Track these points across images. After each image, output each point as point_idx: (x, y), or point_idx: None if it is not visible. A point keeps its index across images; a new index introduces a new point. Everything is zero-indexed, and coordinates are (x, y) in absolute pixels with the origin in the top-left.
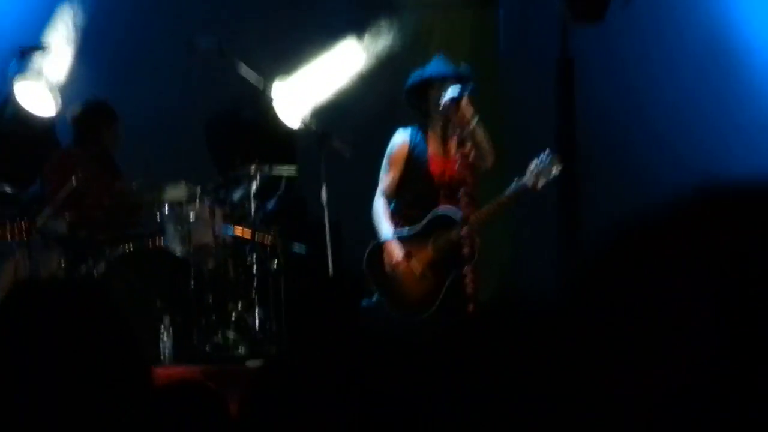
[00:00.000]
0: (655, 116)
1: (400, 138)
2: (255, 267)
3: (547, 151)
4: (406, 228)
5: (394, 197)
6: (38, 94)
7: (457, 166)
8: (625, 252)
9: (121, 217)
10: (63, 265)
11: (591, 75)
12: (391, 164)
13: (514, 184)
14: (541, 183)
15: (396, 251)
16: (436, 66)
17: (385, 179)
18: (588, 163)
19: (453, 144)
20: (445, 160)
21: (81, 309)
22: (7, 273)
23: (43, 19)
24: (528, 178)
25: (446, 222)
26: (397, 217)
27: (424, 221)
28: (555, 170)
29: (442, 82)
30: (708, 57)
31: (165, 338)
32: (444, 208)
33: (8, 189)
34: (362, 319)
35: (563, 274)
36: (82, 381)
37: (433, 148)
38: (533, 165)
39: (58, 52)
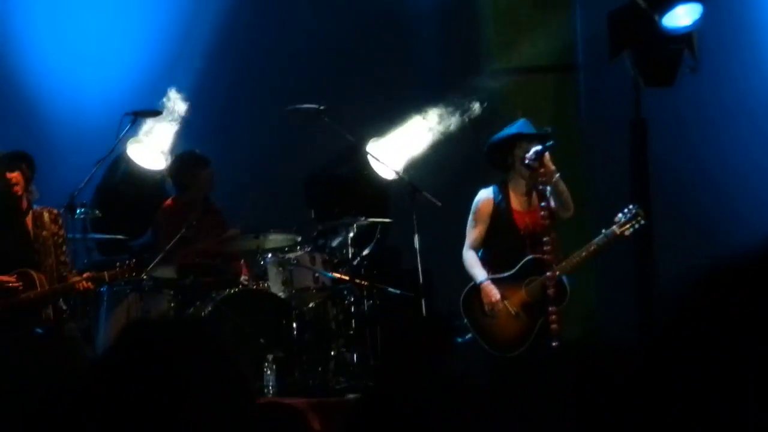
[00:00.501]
0: (719, 174)
1: (484, 195)
2: (352, 308)
3: (632, 205)
4: (501, 273)
5: (480, 249)
6: (148, 152)
7: (540, 217)
8: (700, 303)
9: (225, 262)
10: (173, 308)
11: (662, 135)
12: (477, 220)
13: (602, 234)
14: (628, 232)
15: (493, 291)
16: (523, 126)
17: (472, 233)
18: (661, 216)
19: (534, 197)
20: (528, 213)
21: (189, 346)
22: (119, 316)
23: (154, 83)
24: (617, 227)
25: (538, 267)
26: (486, 266)
27: (518, 266)
28: (640, 220)
29: (529, 141)
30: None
31: (268, 373)
32: (535, 255)
33: (121, 237)
34: (456, 356)
35: (641, 318)
36: (192, 414)
37: (515, 202)
38: (620, 216)
39: (168, 115)
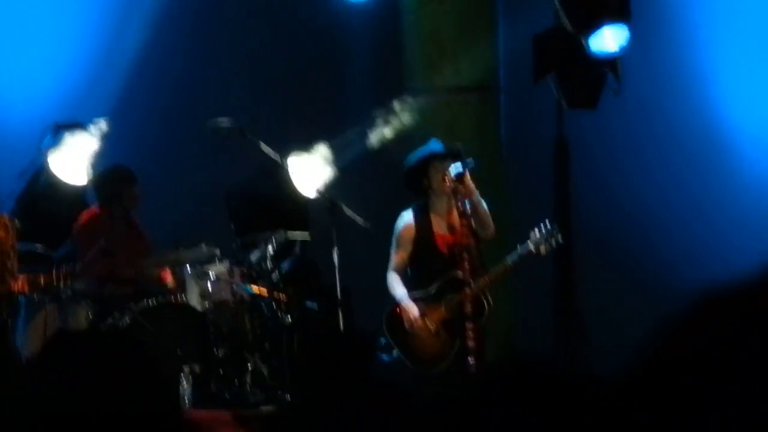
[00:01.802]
0: (642, 194)
1: (405, 220)
2: (270, 322)
3: (547, 221)
4: (421, 291)
5: (402, 271)
6: (70, 165)
7: (460, 235)
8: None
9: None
10: (90, 319)
11: (584, 156)
12: (399, 245)
13: (517, 252)
14: (543, 249)
15: (412, 309)
16: (433, 145)
17: (395, 258)
18: (582, 234)
19: (455, 217)
20: (449, 235)
21: (114, 356)
22: (37, 325)
23: (77, 97)
24: (531, 245)
25: (457, 284)
26: (411, 287)
27: (436, 284)
28: (557, 237)
29: (441, 160)
30: (693, 142)
31: (185, 385)
32: (454, 273)
33: (40, 248)
34: (381, 373)
35: (559, 336)
36: (119, 422)
37: (436, 225)
38: (536, 232)
39: (90, 128)
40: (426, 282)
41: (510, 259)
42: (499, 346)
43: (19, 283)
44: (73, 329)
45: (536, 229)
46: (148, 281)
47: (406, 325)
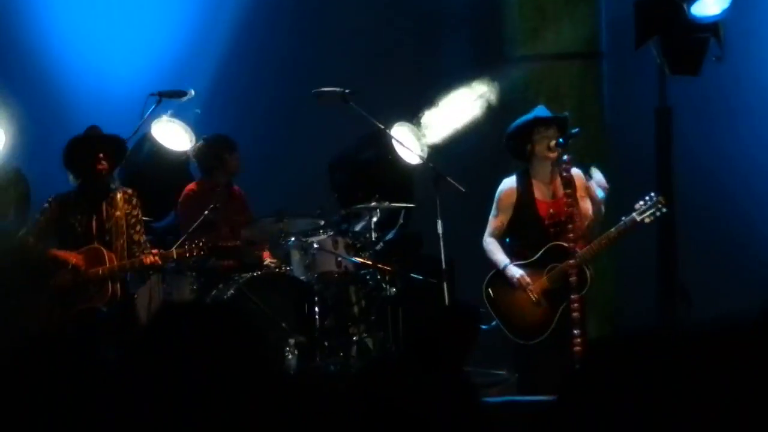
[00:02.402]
0: (743, 163)
1: (507, 185)
2: (374, 293)
3: (653, 192)
4: (524, 260)
5: (500, 238)
6: (174, 133)
7: (564, 203)
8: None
9: (247, 245)
10: (195, 290)
11: (687, 123)
12: (499, 209)
13: (622, 221)
14: (648, 219)
15: (517, 272)
16: (539, 111)
17: (494, 222)
18: (684, 203)
19: (558, 185)
20: (551, 201)
21: (219, 328)
22: (142, 297)
23: (180, 67)
24: (636, 215)
25: (560, 254)
26: (510, 255)
27: (539, 253)
28: (662, 208)
29: (546, 126)
30: None
31: (290, 357)
32: (557, 242)
33: (145, 219)
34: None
35: (661, 309)
36: (224, 392)
37: (538, 192)
38: (640, 203)
39: (193, 97)
40: (525, 249)
41: (615, 229)
42: (602, 319)
43: (151, 257)
44: (177, 301)
45: (641, 200)
46: (248, 255)
47: (514, 285)
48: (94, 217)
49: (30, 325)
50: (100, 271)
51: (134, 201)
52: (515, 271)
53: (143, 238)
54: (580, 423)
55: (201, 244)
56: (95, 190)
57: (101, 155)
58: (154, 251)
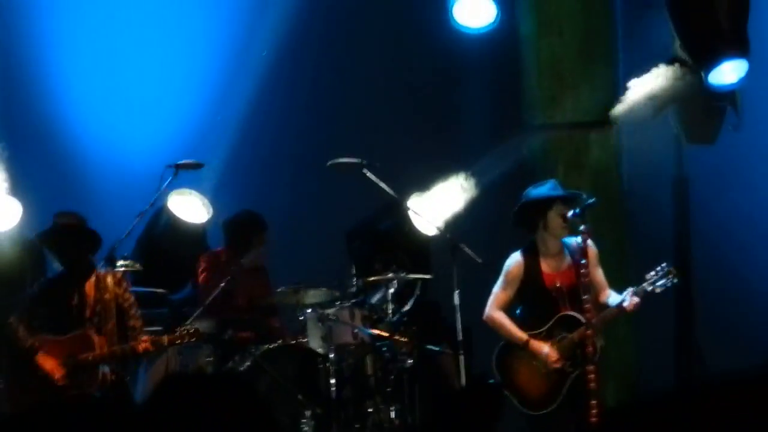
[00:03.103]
0: (762, 231)
1: (515, 259)
2: (391, 364)
3: (664, 263)
4: (533, 331)
5: (505, 311)
6: (190, 204)
7: (576, 275)
8: None
9: (264, 317)
10: (211, 362)
11: (704, 192)
12: (506, 281)
13: (634, 290)
14: (658, 290)
15: (545, 348)
16: (555, 188)
17: (500, 295)
18: (702, 271)
19: (567, 257)
20: (558, 273)
21: (228, 400)
22: (158, 368)
23: (196, 139)
24: (647, 285)
25: (570, 323)
26: (519, 325)
27: (550, 323)
28: (672, 279)
29: (565, 203)
30: None
31: (306, 429)
32: (568, 312)
33: (161, 291)
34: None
35: (680, 374)
36: None
37: (545, 264)
38: (651, 273)
39: (210, 167)
40: (532, 321)
41: (626, 299)
42: (621, 386)
43: (143, 344)
44: (182, 372)
45: (653, 271)
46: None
47: (544, 365)
48: (84, 299)
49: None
50: (90, 358)
51: (124, 284)
52: (543, 347)
53: (138, 323)
54: None
55: (192, 330)
56: (78, 273)
57: (74, 247)
58: (145, 338)
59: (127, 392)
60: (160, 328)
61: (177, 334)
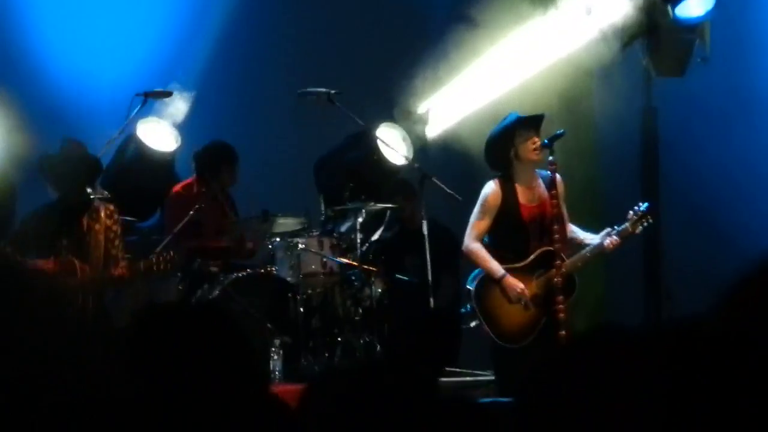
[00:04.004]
0: (729, 165)
1: (493, 188)
2: (359, 294)
3: (642, 203)
4: (513, 265)
5: (480, 241)
6: (159, 133)
7: (549, 206)
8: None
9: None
10: (180, 291)
11: (672, 124)
12: (483, 212)
13: (616, 230)
14: (638, 230)
15: (518, 286)
16: (515, 115)
17: (478, 225)
18: (670, 204)
19: (542, 188)
20: (534, 205)
21: (204, 329)
22: (127, 298)
23: (165, 66)
24: (629, 225)
25: (549, 259)
26: (492, 256)
27: (531, 257)
28: (649, 219)
29: (527, 128)
30: None
31: (276, 358)
32: (546, 247)
33: (129, 219)
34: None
35: (648, 311)
36: (207, 395)
37: (521, 196)
38: (632, 213)
39: (179, 96)
40: (507, 252)
41: (606, 238)
42: (591, 320)
43: (120, 270)
44: (163, 301)
45: (631, 210)
46: (239, 254)
47: (513, 299)
48: (74, 229)
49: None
50: (71, 283)
51: (115, 216)
52: (516, 284)
53: (121, 253)
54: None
55: (169, 257)
56: (75, 203)
57: (81, 178)
58: (123, 263)
59: (108, 319)
60: (128, 256)
61: (153, 260)
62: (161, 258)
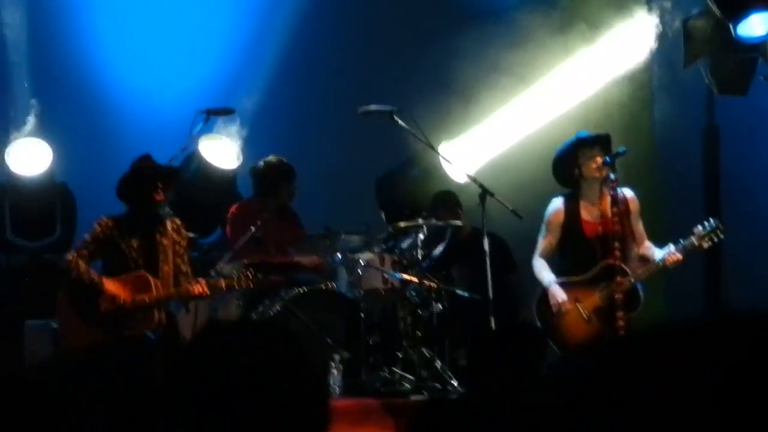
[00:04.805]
0: None
1: (555, 206)
2: (420, 310)
3: (712, 218)
4: (577, 277)
5: (550, 258)
6: (221, 150)
7: (611, 222)
8: None
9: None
10: (241, 306)
11: (734, 143)
12: (547, 230)
13: (680, 244)
14: (706, 244)
15: (559, 292)
16: (580, 134)
17: (542, 242)
18: (732, 223)
19: (606, 204)
20: (598, 222)
21: (265, 346)
22: (187, 314)
23: (228, 84)
24: (695, 239)
25: (614, 273)
26: (559, 273)
27: (593, 270)
28: (720, 234)
29: (591, 147)
30: None
31: (335, 373)
32: (610, 261)
33: (191, 235)
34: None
35: None
36: (269, 409)
37: (585, 212)
38: (699, 228)
39: (241, 113)
40: (574, 268)
41: (673, 251)
42: None
43: (199, 287)
44: (223, 317)
45: (700, 225)
46: (298, 267)
47: (553, 308)
48: (145, 242)
49: (77, 344)
50: (147, 299)
51: (182, 232)
52: (558, 294)
53: (189, 269)
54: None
55: (251, 276)
56: (148, 217)
57: (160, 187)
58: (202, 281)
59: (178, 335)
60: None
61: (234, 279)
62: (242, 276)
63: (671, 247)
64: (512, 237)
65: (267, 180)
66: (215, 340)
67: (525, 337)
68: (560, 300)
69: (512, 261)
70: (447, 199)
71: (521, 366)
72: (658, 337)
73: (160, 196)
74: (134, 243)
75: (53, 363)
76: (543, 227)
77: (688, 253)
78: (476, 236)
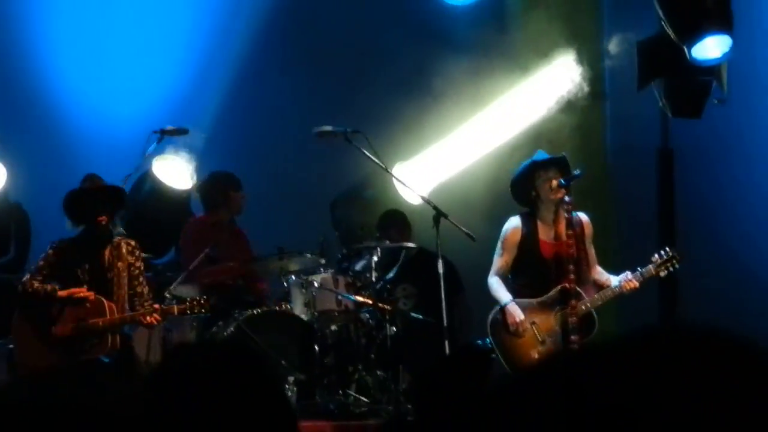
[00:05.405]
0: (745, 205)
1: (513, 224)
2: (374, 331)
3: (668, 248)
4: (535, 299)
5: (504, 277)
6: (175, 170)
7: (566, 245)
8: None
9: (248, 283)
10: (195, 327)
11: (688, 165)
12: (504, 248)
13: (638, 272)
14: (663, 273)
15: (517, 311)
16: (538, 156)
17: (498, 261)
18: (686, 245)
19: (562, 227)
20: (554, 243)
21: (234, 368)
22: (142, 334)
23: (181, 104)
24: (653, 267)
25: (569, 296)
26: (513, 293)
27: (552, 293)
28: (676, 264)
29: (545, 168)
30: None
31: (289, 395)
32: (569, 285)
33: (145, 255)
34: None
35: None
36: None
37: (542, 233)
38: (656, 257)
39: (194, 134)
40: (529, 288)
41: (630, 279)
42: None
43: (150, 317)
44: (177, 339)
45: (657, 254)
46: (250, 292)
47: (511, 327)
48: (97, 265)
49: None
50: (101, 323)
51: (137, 253)
52: (517, 313)
53: (145, 290)
54: None
55: (203, 301)
56: (97, 238)
57: (100, 208)
58: (156, 306)
59: (134, 358)
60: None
61: (187, 304)
62: (195, 302)
63: (628, 274)
64: (460, 259)
65: (215, 191)
66: (184, 362)
67: (470, 359)
68: (518, 319)
69: (460, 283)
70: (397, 219)
71: (466, 388)
72: (599, 352)
73: (102, 218)
74: (87, 266)
75: (8, 389)
76: (499, 246)
77: (645, 280)
78: (425, 256)
